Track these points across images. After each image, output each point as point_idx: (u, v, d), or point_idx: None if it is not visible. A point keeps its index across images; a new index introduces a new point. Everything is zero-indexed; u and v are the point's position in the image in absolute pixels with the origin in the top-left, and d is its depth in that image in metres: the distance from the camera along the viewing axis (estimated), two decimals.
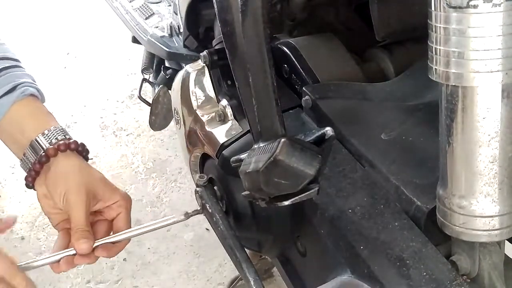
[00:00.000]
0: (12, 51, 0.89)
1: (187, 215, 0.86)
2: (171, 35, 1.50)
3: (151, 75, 1.76)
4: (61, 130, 0.84)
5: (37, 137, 0.83)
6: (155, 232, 1.94)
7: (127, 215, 0.86)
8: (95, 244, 0.79)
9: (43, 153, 0.82)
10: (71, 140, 0.84)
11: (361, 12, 1.11)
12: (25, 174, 0.85)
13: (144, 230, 0.84)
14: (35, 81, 0.88)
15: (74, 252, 0.79)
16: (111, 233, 0.84)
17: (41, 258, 0.81)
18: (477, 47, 0.54)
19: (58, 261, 0.80)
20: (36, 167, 0.83)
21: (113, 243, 0.82)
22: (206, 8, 1.22)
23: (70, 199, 0.80)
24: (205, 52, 0.98)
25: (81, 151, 0.86)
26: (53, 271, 0.82)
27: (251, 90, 0.68)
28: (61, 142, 0.82)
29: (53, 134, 0.83)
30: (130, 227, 0.85)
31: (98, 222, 0.85)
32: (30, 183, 0.86)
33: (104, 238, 0.82)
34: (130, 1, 1.77)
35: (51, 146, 0.82)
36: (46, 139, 0.82)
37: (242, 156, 0.72)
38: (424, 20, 0.59)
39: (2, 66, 0.84)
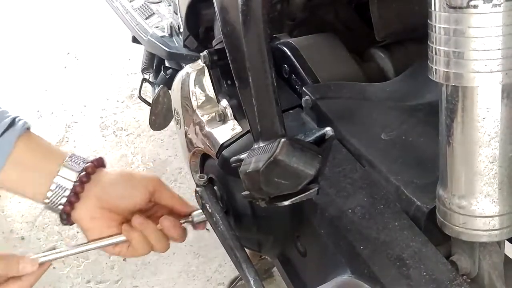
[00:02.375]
0: None
1: None
2: (171, 35, 1.50)
3: (151, 75, 1.76)
4: (78, 156, 0.82)
5: (64, 163, 0.79)
6: None
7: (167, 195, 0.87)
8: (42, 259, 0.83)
9: (83, 172, 0.79)
10: (96, 157, 0.83)
11: (361, 12, 1.11)
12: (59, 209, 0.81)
13: (91, 246, 0.84)
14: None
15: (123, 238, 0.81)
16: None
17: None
18: (477, 47, 0.54)
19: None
20: (77, 189, 0.79)
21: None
22: (206, 8, 1.22)
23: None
24: (205, 52, 0.98)
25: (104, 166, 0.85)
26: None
27: (251, 90, 0.68)
28: (90, 162, 0.81)
29: (76, 159, 0.81)
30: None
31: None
32: (69, 210, 0.80)
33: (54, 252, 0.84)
34: (130, 1, 1.77)
35: (87, 164, 0.80)
36: (73, 164, 0.80)
37: (242, 156, 0.72)
38: (424, 20, 0.59)
39: None
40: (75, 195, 0.79)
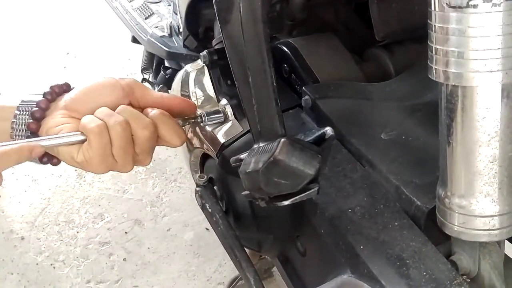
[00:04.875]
0: None
1: None
2: (170, 35, 1.50)
3: (151, 75, 1.76)
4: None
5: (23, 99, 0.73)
6: (155, 232, 1.94)
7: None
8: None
9: (48, 92, 0.73)
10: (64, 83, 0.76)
11: (361, 12, 1.11)
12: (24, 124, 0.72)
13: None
14: None
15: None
16: None
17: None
18: (477, 46, 0.54)
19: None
20: (42, 105, 0.72)
21: None
22: (206, 8, 1.22)
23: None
24: (205, 52, 0.98)
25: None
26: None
27: (251, 90, 0.68)
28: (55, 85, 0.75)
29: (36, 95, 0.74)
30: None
31: None
32: (35, 129, 0.72)
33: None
34: (130, 1, 1.77)
35: (54, 85, 0.74)
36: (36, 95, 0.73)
37: (242, 156, 0.72)
38: (424, 20, 0.59)
39: None
40: (40, 111, 0.72)
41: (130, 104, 0.74)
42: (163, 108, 0.75)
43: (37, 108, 0.72)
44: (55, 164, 0.76)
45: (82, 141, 0.70)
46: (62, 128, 0.71)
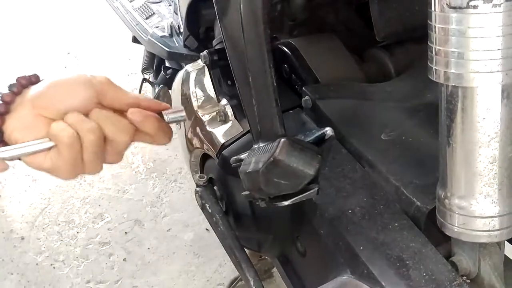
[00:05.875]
0: None
1: None
2: (171, 35, 1.50)
3: (151, 75, 1.76)
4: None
5: None
6: (155, 232, 1.94)
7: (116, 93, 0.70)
8: None
9: (14, 84, 0.68)
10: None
11: (361, 12, 1.11)
12: None
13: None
14: None
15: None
16: None
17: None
18: (477, 47, 0.54)
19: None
20: (6, 99, 0.67)
21: None
22: (206, 8, 1.22)
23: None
24: (205, 52, 0.98)
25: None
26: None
27: (251, 90, 0.68)
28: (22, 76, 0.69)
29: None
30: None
31: None
32: None
33: None
34: (131, 1, 1.77)
35: (20, 77, 0.68)
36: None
37: (242, 156, 0.72)
38: (424, 20, 0.59)
39: None
40: (4, 105, 0.67)
41: (100, 104, 0.69)
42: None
43: (1, 102, 0.67)
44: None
45: (50, 148, 0.66)
46: (28, 133, 0.66)
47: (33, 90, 0.68)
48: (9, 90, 0.68)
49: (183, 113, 0.74)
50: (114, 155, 0.70)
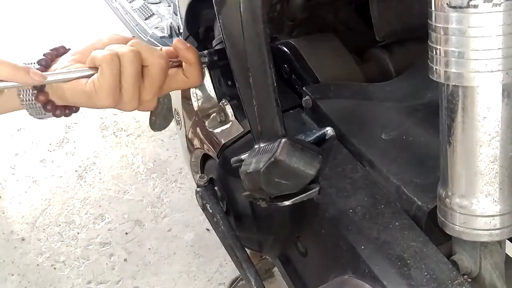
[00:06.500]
0: None
1: None
2: (171, 36, 1.50)
3: None
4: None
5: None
6: (155, 233, 1.94)
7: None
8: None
9: (48, 52, 0.74)
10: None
11: (361, 12, 1.11)
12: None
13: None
14: None
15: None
16: None
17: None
18: (477, 47, 0.54)
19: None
20: (48, 59, 0.73)
21: None
22: (206, 8, 1.22)
23: None
24: (205, 52, 0.98)
25: None
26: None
27: (252, 90, 0.68)
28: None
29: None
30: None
31: None
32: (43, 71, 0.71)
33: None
34: (130, 2, 1.77)
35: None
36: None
37: (243, 156, 0.72)
38: (424, 20, 0.59)
39: None
40: (42, 67, 0.73)
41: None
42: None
43: (38, 66, 0.72)
44: (68, 115, 0.76)
45: (91, 76, 0.70)
46: (69, 64, 0.71)
47: (71, 50, 0.74)
48: (38, 64, 0.72)
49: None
50: (149, 92, 0.72)
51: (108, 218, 1.90)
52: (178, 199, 1.95)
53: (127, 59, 0.69)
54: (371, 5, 0.90)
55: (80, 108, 0.80)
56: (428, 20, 0.58)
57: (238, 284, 1.60)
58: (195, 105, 1.04)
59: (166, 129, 1.64)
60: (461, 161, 0.61)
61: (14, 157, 2.16)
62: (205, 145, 1.02)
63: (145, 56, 0.71)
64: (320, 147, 0.66)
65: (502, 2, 0.52)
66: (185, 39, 1.33)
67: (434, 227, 0.69)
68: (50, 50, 0.75)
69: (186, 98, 1.06)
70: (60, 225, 1.88)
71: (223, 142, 0.94)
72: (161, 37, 1.51)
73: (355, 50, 1.04)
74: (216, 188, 0.94)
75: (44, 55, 0.74)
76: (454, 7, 0.54)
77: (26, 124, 2.26)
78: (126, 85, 0.70)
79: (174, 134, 2.13)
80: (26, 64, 0.71)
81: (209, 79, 1.02)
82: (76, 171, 2.07)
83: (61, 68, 0.72)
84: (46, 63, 0.73)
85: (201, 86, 1.03)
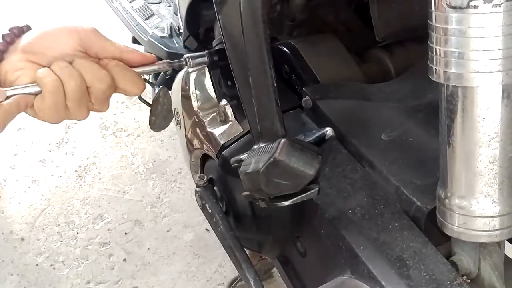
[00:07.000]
0: None
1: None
2: (171, 36, 1.50)
3: (151, 75, 1.76)
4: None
5: None
6: (155, 233, 1.94)
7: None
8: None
9: (7, 33, 0.74)
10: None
11: (361, 12, 1.11)
12: None
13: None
14: None
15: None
16: None
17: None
18: (477, 47, 0.54)
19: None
20: (0, 46, 0.73)
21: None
22: (206, 9, 1.22)
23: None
24: (205, 53, 0.98)
25: None
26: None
27: (251, 90, 0.68)
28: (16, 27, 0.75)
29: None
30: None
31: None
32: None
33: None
34: (130, 2, 1.77)
35: (13, 27, 0.74)
36: None
37: (242, 156, 0.72)
38: (424, 20, 0.59)
39: None
40: (11, 38, 0.74)
41: (86, 53, 0.75)
42: (122, 60, 0.76)
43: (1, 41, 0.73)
44: None
45: (38, 93, 0.71)
46: (19, 74, 0.72)
47: (24, 38, 0.73)
48: (2, 39, 0.74)
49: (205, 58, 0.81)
50: (97, 104, 0.76)
51: (107, 218, 1.90)
52: (178, 199, 1.95)
53: (70, 87, 0.71)
54: (371, 5, 0.90)
55: None
56: (428, 21, 0.58)
57: (237, 285, 1.60)
58: (195, 105, 1.04)
59: (166, 129, 1.63)
60: (460, 161, 0.61)
61: (13, 157, 2.16)
62: (204, 145, 1.02)
63: (87, 78, 0.72)
64: (320, 147, 0.66)
65: (502, 3, 0.52)
66: (185, 39, 1.33)
67: (433, 228, 0.69)
68: (12, 29, 0.75)
69: (186, 98, 1.06)
70: (59, 225, 1.88)
71: (222, 142, 0.94)
72: (161, 37, 1.51)
73: (355, 50, 1.04)
74: (215, 188, 0.94)
75: (3, 37, 0.74)
76: (454, 8, 0.54)
77: (26, 124, 2.26)
78: (71, 106, 0.72)
79: (173, 134, 2.13)
80: None
81: (209, 79, 1.02)
82: (76, 171, 2.07)
83: (12, 70, 0.72)
84: (3, 48, 0.74)
85: (201, 86, 1.03)
